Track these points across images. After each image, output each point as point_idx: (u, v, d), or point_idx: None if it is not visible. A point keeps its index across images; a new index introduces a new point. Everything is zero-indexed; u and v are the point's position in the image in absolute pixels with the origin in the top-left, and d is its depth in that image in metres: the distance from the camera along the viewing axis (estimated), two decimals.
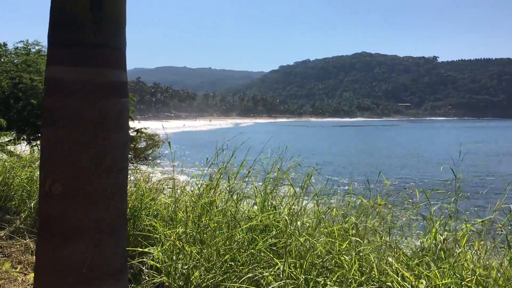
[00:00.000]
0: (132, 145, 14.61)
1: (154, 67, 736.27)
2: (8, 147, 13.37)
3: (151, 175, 7.41)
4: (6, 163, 6.36)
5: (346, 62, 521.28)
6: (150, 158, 15.53)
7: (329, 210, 3.90)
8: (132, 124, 14.57)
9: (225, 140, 4.84)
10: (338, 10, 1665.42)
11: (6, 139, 11.91)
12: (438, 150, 57.29)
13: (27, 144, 13.83)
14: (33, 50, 14.25)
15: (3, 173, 6.12)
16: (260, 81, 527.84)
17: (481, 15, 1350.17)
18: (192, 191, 4.56)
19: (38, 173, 6.35)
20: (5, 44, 14.02)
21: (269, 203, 3.96)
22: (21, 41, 14.10)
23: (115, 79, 2.16)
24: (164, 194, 5.39)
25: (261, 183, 4.59)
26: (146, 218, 4.25)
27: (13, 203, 5.95)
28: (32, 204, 5.38)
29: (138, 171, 8.02)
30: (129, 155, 15.27)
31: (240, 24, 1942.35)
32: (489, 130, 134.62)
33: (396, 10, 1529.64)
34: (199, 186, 4.26)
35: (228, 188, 4.18)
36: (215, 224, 3.71)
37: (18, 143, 13.17)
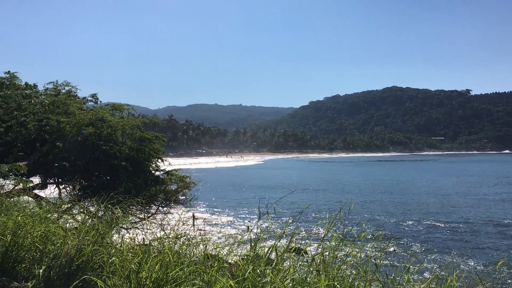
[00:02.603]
0: (162, 188, 13.90)
1: (186, 105, 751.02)
2: (36, 191, 12.86)
3: (178, 227, 6.34)
4: (19, 218, 5.57)
5: (376, 97, 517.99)
6: (181, 200, 14.82)
7: None
8: (162, 166, 13.87)
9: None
10: (365, 46, 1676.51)
11: (32, 184, 11.35)
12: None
13: (55, 187, 13.31)
14: (63, 90, 13.90)
15: (15, 229, 5.35)
16: (290, 116, 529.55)
17: None
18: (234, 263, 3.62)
19: (54, 229, 5.56)
20: (35, 86, 13.74)
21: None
22: (51, 82, 13.79)
23: None
24: (195, 259, 4.46)
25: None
26: None
27: (23, 265, 5.14)
28: (41, 270, 4.51)
29: (166, 221, 7.19)
30: (159, 198, 14.56)
31: (269, 62, 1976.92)
32: None
33: (425, 44, 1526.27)
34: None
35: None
36: None
37: (42, 186, 12.65)
